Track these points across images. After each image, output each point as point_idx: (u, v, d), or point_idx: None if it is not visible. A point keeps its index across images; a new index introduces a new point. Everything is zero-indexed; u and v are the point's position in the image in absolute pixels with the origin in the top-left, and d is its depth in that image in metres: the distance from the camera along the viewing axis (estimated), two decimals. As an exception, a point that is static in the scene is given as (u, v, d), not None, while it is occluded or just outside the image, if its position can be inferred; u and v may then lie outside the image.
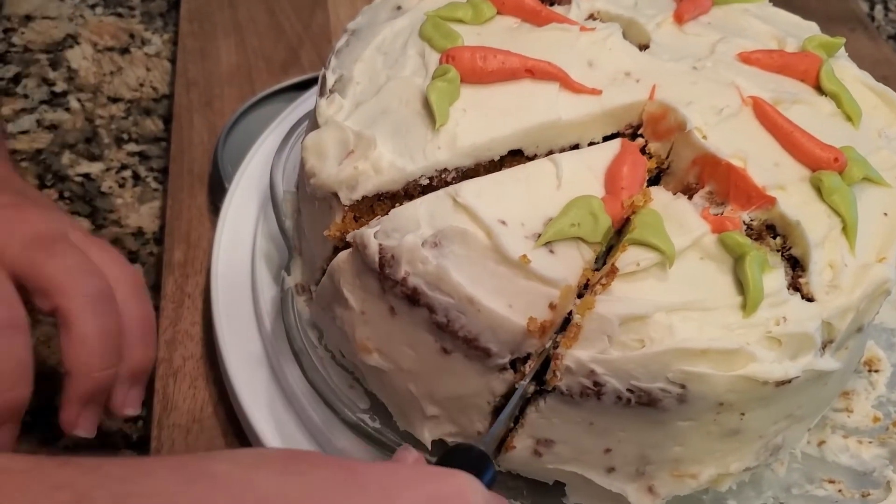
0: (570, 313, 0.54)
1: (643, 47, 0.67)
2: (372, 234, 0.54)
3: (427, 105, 0.59)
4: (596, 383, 0.51)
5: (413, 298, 0.53)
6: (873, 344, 0.70)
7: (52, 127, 0.94)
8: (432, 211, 0.54)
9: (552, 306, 0.52)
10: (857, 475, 0.62)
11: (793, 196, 0.57)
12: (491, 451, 0.52)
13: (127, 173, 0.92)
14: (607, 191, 0.57)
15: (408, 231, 0.53)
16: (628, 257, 0.52)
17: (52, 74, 0.99)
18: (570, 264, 0.53)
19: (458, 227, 0.53)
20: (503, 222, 0.53)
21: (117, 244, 0.86)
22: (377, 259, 0.53)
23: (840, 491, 0.61)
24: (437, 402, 0.55)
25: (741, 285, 0.52)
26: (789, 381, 0.51)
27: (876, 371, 0.68)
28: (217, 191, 0.84)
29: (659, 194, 0.58)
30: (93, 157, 0.93)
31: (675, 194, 0.58)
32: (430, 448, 0.58)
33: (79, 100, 0.97)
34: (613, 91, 0.62)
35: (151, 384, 0.74)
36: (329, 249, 0.61)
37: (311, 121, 0.68)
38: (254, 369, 0.70)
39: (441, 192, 0.56)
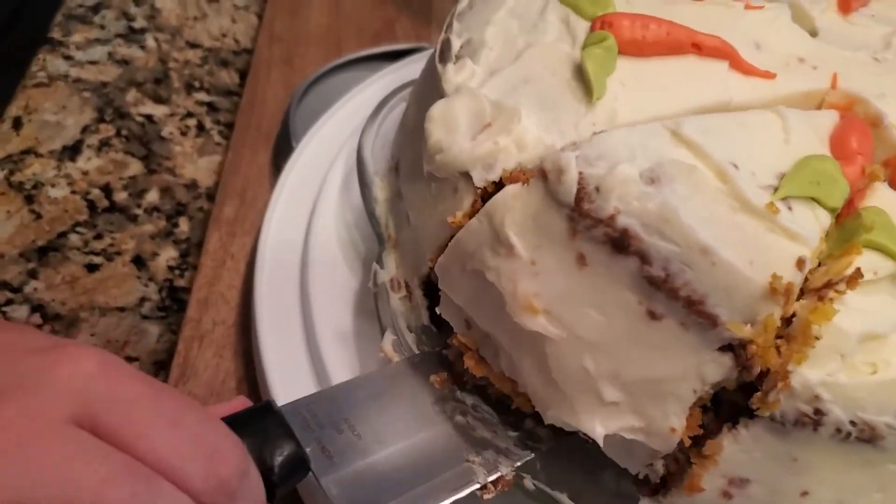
0: (791, 317, 0.37)
1: (813, 35, 0.50)
2: (573, 159, 0.37)
3: (579, 75, 0.44)
4: (817, 411, 0.36)
5: (620, 243, 0.36)
6: None
7: (123, 62, 0.75)
8: (646, 142, 0.38)
9: (800, 264, 0.35)
10: None
11: None
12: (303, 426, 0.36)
13: (192, 122, 0.74)
14: (836, 156, 0.40)
15: (619, 160, 0.37)
16: (866, 263, 0.37)
17: (133, 10, 0.80)
18: (808, 227, 0.37)
19: (685, 162, 0.37)
20: (735, 166, 0.37)
21: (167, 193, 0.70)
22: (575, 190, 0.36)
23: None
24: (624, 384, 0.37)
25: None
26: None
27: None
28: (283, 151, 0.65)
29: (885, 191, 0.41)
30: (159, 100, 0.74)
31: None
32: (601, 445, 0.39)
33: (156, 39, 0.78)
34: (788, 76, 0.46)
35: (173, 345, 0.58)
36: (446, 238, 0.44)
37: (425, 90, 0.51)
38: (290, 351, 0.51)
39: (655, 123, 0.39)
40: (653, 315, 0.36)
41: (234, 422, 0.33)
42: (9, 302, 0.59)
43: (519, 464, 0.40)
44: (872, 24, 0.52)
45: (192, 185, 0.69)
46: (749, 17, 0.49)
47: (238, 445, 0.30)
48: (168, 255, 0.64)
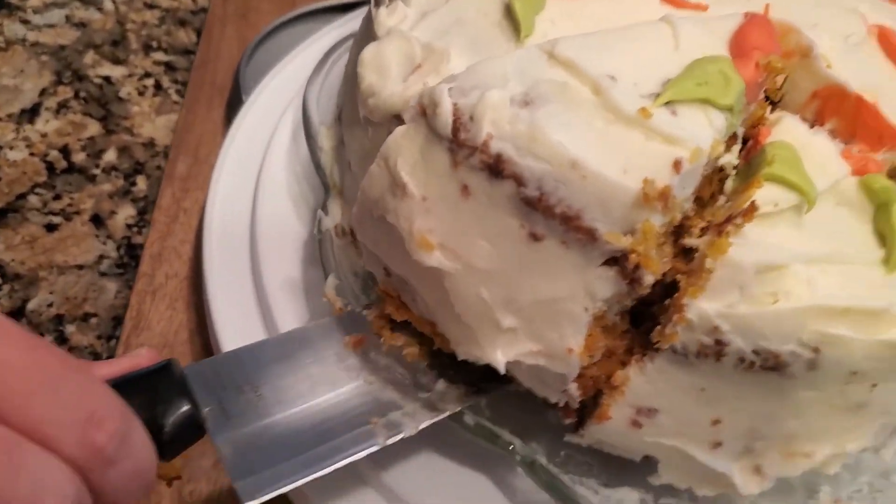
0: (693, 252, 0.36)
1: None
2: (445, 91, 0.36)
3: (509, 15, 0.43)
4: (718, 342, 0.36)
5: (495, 168, 0.35)
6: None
7: (81, 25, 0.74)
8: (522, 67, 0.37)
9: (676, 166, 0.34)
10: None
11: (927, 139, 0.41)
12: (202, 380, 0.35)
13: (149, 82, 0.73)
14: (734, 55, 0.39)
15: (491, 87, 0.36)
16: (765, 195, 0.37)
17: (88, -28, 0.80)
18: (697, 130, 0.36)
19: (557, 80, 0.36)
20: (612, 78, 0.36)
21: (125, 153, 0.69)
22: (450, 122, 0.36)
23: (948, 479, 0.43)
24: (518, 309, 0.37)
25: (881, 237, 0.37)
26: (931, 350, 0.36)
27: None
28: (235, 105, 0.64)
29: (795, 127, 0.40)
30: (117, 61, 0.73)
31: (812, 127, 0.41)
32: (503, 373, 0.38)
33: (114, 1, 0.77)
34: (720, 6, 0.45)
35: (127, 300, 0.58)
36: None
37: (362, 36, 0.50)
38: (239, 301, 0.51)
39: (533, 47, 0.38)
40: (534, 237, 0.35)
41: (128, 382, 0.32)
42: (-33, 262, 0.59)
43: (421, 427, 0.39)
44: (812, -46, 0.51)
45: (149, 144, 0.68)
46: (683, -52, 0.47)
47: (117, 408, 0.29)
48: (126, 213, 0.64)
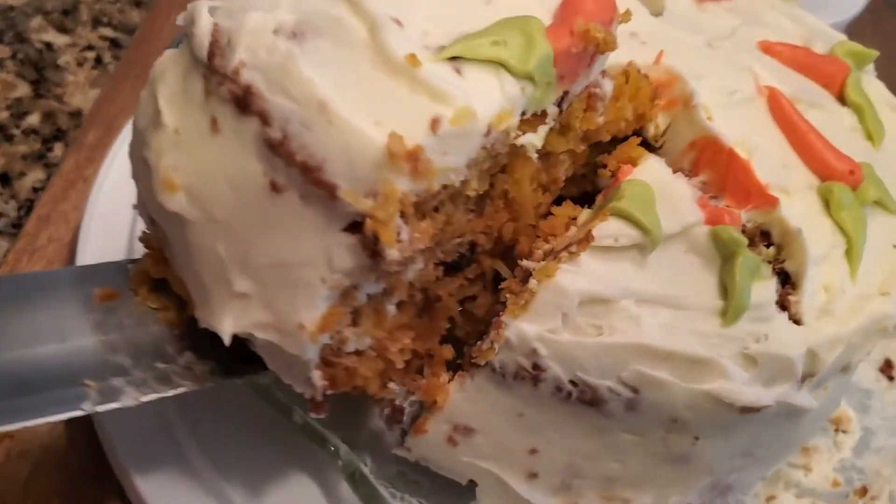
0: (528, 276, 0.35)
1: (655, 15, 0.49)
2: (205, 8, 0.32)
3: None
4: (536, 366, 0.35)
5: (243, 102, 0.30)
6: (844, 403, 0.51)
7: None
8: None
9: (434, 125, 0.29)
10: (808, 541, 0.43)
11: (796, 203, 0.40)
12: None
13: (91, 54, 0.73)
14: (557, 23, 0.34)
15: (257, 9, 0.31)
16: (607, 228, 0.36)
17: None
18: (481, 94, 0.31)
19: (334, 14, 0.31)
20: (398, 22, 0.31)
21: (49, 119, 0.68)
22: (207, 44, 0.31)
23: (788, 554, 0.42)
24: (253, 271, 0.31)
25: (725, 290, 0.36)
26: (758, 410, 0.36)
27: (843, 432, 0.50)
28: None
29: (658, 169, 0.39)
30: (63, 30, 0.74)
31: (675, 172, 0.40)
32: (228, 344, 0.33)
33: None
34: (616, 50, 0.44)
35: (5, 254, 0.56)
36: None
37: None
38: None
39: None
40: (275, 187, 0.30)
41: None
42: None
43: (145, 399, 0.35)
44: (724, 15, 0.51)
45: (76, 114, 0.68)
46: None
47: None
48: (36, 176, 0.63)
